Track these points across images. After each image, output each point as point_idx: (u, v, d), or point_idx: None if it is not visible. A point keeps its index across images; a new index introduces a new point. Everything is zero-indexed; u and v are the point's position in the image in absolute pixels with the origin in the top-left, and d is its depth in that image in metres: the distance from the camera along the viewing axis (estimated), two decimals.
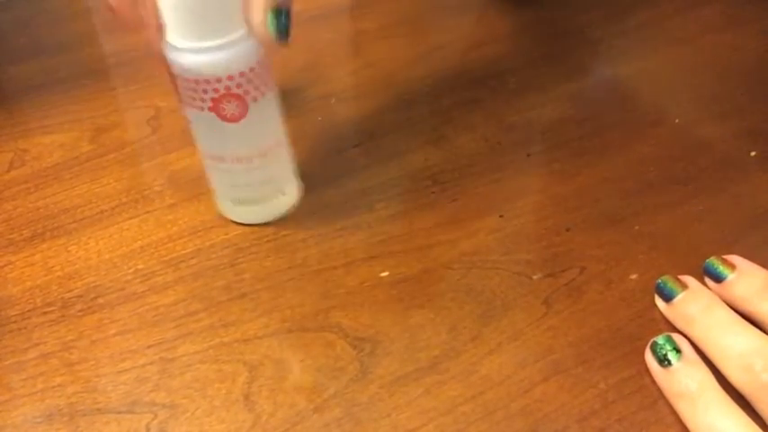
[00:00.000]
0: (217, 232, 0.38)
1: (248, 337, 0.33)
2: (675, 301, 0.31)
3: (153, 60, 0.34)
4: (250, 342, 0.33)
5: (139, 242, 0.38)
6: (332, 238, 0.37)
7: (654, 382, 0.30)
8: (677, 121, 0.43)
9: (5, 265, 0.37)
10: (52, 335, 0.34)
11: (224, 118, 0.32)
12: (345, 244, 0.37)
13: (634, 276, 0.34)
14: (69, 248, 0.38)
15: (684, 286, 0.32)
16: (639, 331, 0.32)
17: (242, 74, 0.31)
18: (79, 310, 0.35)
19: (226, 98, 0.32)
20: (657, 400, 0.29)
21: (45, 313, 0.35)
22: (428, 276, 0.35)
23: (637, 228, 0.36)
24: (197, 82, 0.31)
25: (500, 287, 0.34)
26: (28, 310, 0.35)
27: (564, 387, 0.30)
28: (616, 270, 0.35)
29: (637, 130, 0.42)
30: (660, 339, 0.30)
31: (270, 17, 0.31)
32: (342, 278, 0.35)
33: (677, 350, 0.29)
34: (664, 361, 0.29)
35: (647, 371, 0.30)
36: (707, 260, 0.32)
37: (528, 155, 0.41)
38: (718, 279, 0.32)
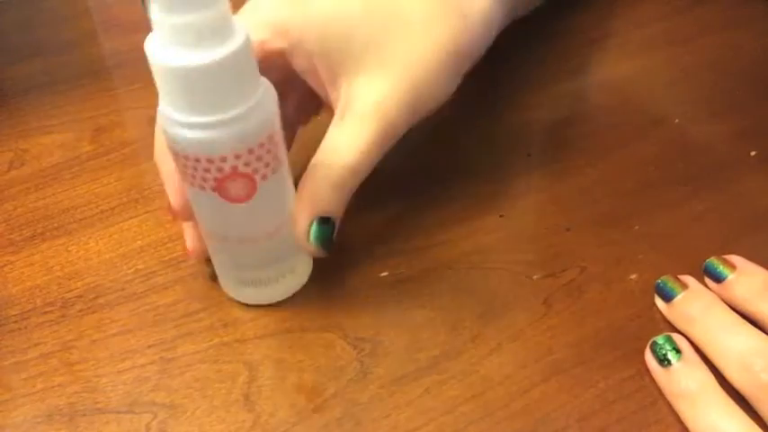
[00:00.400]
0: None
1: (248, 337, 0.33)
2: (675, 301, 0.31)
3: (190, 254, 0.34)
4: (250, 342, 0.33)
5: (139, 242, 0.38)
6: None
7: (654, 382, 0.30)
8: (677, 121, 0.43)
9: (5, 265, 0.37)
10: (52, 335, 0.34)
11: (229, 199, 0.28)
12: (345, 244, 0.37)
13: (634, 276, 0.34)
14: (69, 248, 0.38)
15: (684, 286, 0.32)
16: (639, 331, 0.32)
17: (251, 151, 0.27)
18: (79, 310, 0.35)
19: (231, 178, 0.28)
20: (657, 400, 0.29)
21: (45, 313, 0.35)
22: (428, 276, 0.35)
23: (637, 228, 0.36)
24: (197, 160, 0.27)
25: (500, 287, 0.34)
26: (28, 310, 0.35)
27: (564, 387, 0.30)
28: (616, 270, 0.35)
29: (637, 130, 0.42)
30: (660, 339, 0.30)
31: (315, 227, 0.29)
32: (341, 278, 0.35)
33: (677, 350, 0.29)
34: (664, 361, 0.29)
35: (647, 371, 0.30)
36: (707, 260, 0.32)
37: (528, 155, 0.41)
38: (719, 279, 0.32)
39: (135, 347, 0.33)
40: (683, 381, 0.28)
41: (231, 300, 0.34)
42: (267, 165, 0.28)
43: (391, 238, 0.37)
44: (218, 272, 0.34)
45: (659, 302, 0.32)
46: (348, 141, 0.31)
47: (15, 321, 0.34)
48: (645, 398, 0.30)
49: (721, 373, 0.29)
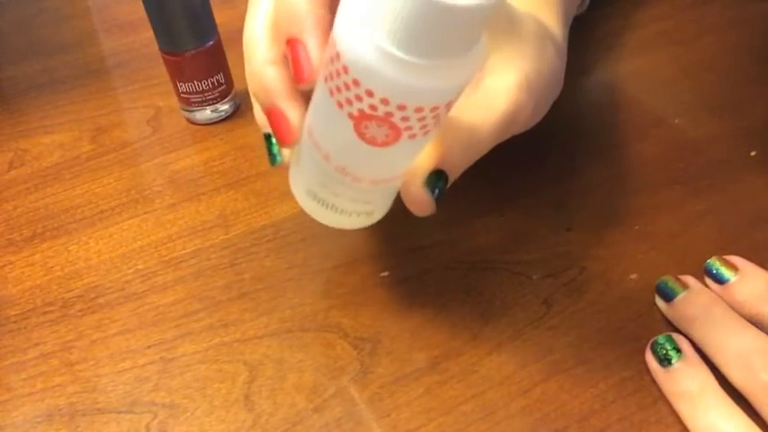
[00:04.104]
0: (217, 232, 0.38)
1: (248, 337, 0.33)
2: (676, 301, 0.31)
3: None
4: (250, 342, 0.33)
5: (139, 242, 0.38)
6: (332, 238, 0.37)
7: (654, 382, 0.30)
8: (677, 121, 0.43)
9: (5, 265, 0.37)
10: (52, 335, 0.34)
11: (360, 135, 0.24)
12: (345, 244, 0.37)
13: (634, 276, 0.34)
14: (69, 248, 0.38)
15: (685, 286, 0.31)
16: (639, 331, 0.32)
17: (419, 109, 0.23)
18: (79, 310, 0.35)
19: (378, 120, 0.23)
20: (657, 400, 0.29)
21: (45, 313, 0.35)
22: (428, 276, 0.35)
23: (637, 228, 0.36)
24: (355, 83, 0.22)
25: (500, 287, 0.34)
26: (28, 310, 0.35)
27: (564, 387, 0.30)
28: (616, 270, 0.35)
29: (637, 130, 0.42)
30: (661, 339, 0.30)
31: (431, 176, 0.28)
32: (342, 278, 0.35)
33: (678, 350, 0.29)
34: (664, 360, 0.29)
35: (647, 371, 0.30)
36: (707, 261, 0.32)
37: (529, 155, 0.41)
38: (720, 281, 0.31)
39: (135, 347, 0.33)
40: (684, 381, 0.28)
41: (231, 299, 0.34)
42: (425, 128, 0.24)
43: (391, 238, 0.37)
44: (296, 170, 0.30)
45: (659, 302, 0.32)
46: (481, 113, 0.29)
47: (15, 321, 0.34)
48: (645, 398, 0.30)
49: (721, 373, 0.29)
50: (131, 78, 0.50)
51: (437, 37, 0.21)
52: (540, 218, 0.37)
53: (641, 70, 0.47)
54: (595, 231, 0.36)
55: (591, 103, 0.45)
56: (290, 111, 0.27)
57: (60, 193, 0.41)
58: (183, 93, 0.44)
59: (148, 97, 0.48)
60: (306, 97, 0.27)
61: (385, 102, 0.22)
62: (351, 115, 0.23)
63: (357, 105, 0.23)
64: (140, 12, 0.42)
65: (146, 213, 0.39)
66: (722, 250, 0.33)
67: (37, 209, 0.40)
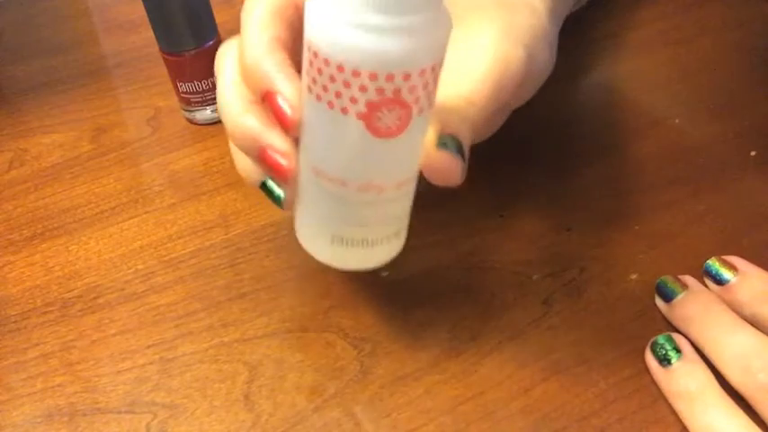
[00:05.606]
0: (217, 232, 0.38)
1: (248, 337, 0.33)
2: (675, 301, 0.31)
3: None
4: (250, 342, 0.33)
5: (139, 242, 0.38)
6: None
7: (654, 381, 0.30)
8: (677, 121, 0.43)
9: (5, 265, 0.37)
10: (52, 335, 0.34)
11: (374, 131, 0.23)
12: None
13: (634, 276, 0.34)
14: (69, 248, 0.38)
15: (684, 286, 0.32)
16: (639, 331, 0.32)
17: (422, 73, 0.22)
18: (79, 310, 0.35)
19: (388, 104, 0.23)
20: (657, 399, 0.29)
21: (45, 313, 0.35)
22: (428, 276, 0.35)
23: (637, 228, 0.36)
24: (356, 74, 0.22)
25: (500, 287, 0.34)
26: (28, 310, 0.35)
27: (564, 387, 0.30)
28: (616, 270, 0.35)
29: (637, 130, 0.42)
30: (660, 339, 0.30)
31: (442, 139, 0.27)
32: (342, 278, 0.35)
33: (677, 350, 0.29)
34: (663, 360, 0.29)
35: (647, 371, 0.30)
36: (707, 262, 0.32)
37: (529, 155, 0.41)
38: (719, 281, 0.31)
39: (135, 347, 0.33)
40: (683, 380, 0.28)
41: (231, 299, 0.34)
42: (429, 96, 0.24)
43: None
44: (307, 225, 0.28)
45: (659, 302, 0.32)
46: (468, 73, 0.29)
47: (15, 321, 0.34)
48: (645, 398, 0.30)
49: (720, 373, 0.29)
50: (131, 78, 0.50)
51: None
52: (540, 218, 0.37)
53: (641, 70, 0.47)
54: (595, 231, 0.36)
55: (590, 102, 0.45)
56: (278, 141, 0.26)
57: (60, 193, 0.41)
58: (183, 93, 0.44)
59: (148, 97, 0.48)
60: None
61: (390, 78, 0.22)
62: (359, 114, 0.23)
63: (364, 98, 0.22)
64: (140, 12, 0.42)
65: (146, 213, 0.39)
66: (722, 250, 0.33)
67: (37, 209, 0.40)
